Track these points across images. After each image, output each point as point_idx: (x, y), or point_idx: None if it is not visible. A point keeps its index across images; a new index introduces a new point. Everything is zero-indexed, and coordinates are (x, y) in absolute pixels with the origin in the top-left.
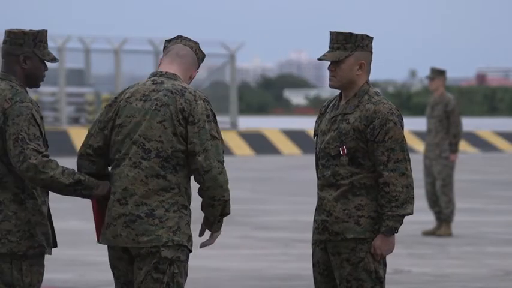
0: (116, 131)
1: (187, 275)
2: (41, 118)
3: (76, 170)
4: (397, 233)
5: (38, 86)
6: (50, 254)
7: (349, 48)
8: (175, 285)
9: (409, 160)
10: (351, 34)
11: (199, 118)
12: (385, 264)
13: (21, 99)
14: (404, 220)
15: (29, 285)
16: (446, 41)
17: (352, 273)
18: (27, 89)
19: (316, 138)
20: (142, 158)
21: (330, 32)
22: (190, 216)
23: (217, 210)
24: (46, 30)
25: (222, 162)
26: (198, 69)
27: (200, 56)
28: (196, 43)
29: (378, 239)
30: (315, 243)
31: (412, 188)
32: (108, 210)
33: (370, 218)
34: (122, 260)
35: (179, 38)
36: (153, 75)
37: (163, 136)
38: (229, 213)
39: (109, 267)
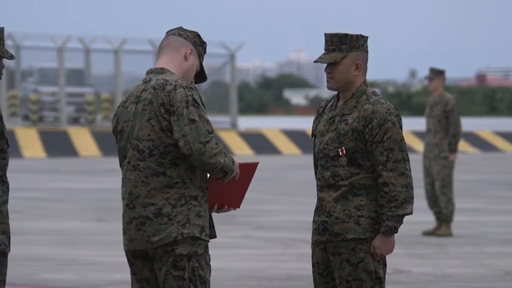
0: (119, 138)
1: (210, 266)
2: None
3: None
4: (396, 232)
5: None
6: (9, 251)
7: (344, 49)
8: (198, 279)
9: (408, 160)
10: (346, 35)
11: (178, 106)
12: (385, 265)
13: None
14: (404, 220)
15: None
16: (446, 41)
17: (352, 274)
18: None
19: (314, 139)
20: (138, 159)
21: (325, 33)
22: (201, 205)
23: (216, 174)
24: (3, 28)
25: (204, 142)
26: (195, 46)
27: (187, 35)
28: (179, 27)
29: (377, 239)
30: (315, 244)
31: (412, 188)
32: (123, 217)
33: (370, 218)
34: (137, 258)
35: (165, 34)
36: (146, 73)
37: (152, 134)
38: (233, 170)
39: (109, 266)
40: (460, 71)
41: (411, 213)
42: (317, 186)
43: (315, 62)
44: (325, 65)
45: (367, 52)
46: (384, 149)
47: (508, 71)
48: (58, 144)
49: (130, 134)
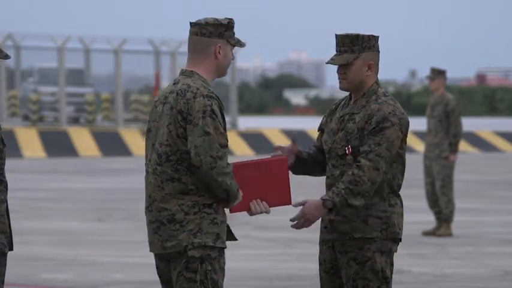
0: (146, 136)
1: (223, 270)
2: None
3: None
4: (332, 211)
5: None
6: (11, 250)
7: (356, 50)
8: (210, 282)
9: (389, 163)
10: (357, 36)
11: (195, 116)
12: (392, 264)
13: None
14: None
15: None
16: (446, 41)
17: (359, 272)
18: None
19: (320, 133)
20: (157, 163)
21: (336, 35)
22: (217, 212)
23: (220, 195)
24: None
25: (216, 157)
26: (222, 37)
27: (210, 30)
28: (199, 24)
29: (311, 202)
30: (322, 242)
31: (375, 186)
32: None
33: (378, 217)
34: (162, 260)
35: (190, 26)
36: (180, 73)
37: (169, 140)
38: (236, 198)
39: (109, 266)
40: (460, 71)
41: (356, 208)
42: (326, 184)
43: (327, 63)
44: (336, 66)
45: (379, 52)
46: (373, 142)
47: (508, 71)
48: (58, 144)
49: (154, 136)
